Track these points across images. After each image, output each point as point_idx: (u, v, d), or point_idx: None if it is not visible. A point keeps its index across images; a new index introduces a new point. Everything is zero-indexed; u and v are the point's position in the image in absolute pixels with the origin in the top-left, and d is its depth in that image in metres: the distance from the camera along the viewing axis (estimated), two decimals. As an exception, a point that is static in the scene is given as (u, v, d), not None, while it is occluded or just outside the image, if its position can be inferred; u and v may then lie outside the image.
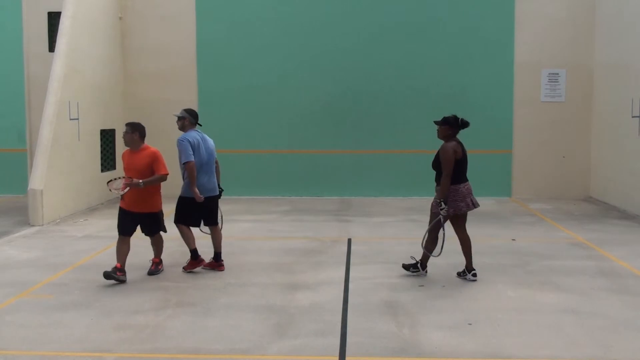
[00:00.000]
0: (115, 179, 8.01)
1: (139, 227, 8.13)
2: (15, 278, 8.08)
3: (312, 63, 15.20)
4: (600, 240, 10.23)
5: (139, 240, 9.39)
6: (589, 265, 8.69)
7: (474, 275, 7.92)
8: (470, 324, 6.33)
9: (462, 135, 14.92)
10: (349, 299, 7.18)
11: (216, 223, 8.57)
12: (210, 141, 8.63)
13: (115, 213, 12.80)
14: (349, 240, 10.23)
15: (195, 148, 8.28)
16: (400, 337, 6.02)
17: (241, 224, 11.78)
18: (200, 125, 8.74)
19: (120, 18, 15.04)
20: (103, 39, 14.27)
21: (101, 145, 14.13)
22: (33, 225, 11.39)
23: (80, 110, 12.98)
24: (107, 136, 14.42)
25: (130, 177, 7.81)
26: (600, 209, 13.36)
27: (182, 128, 8.52)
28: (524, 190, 15.06)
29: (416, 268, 8.14)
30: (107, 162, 14.48)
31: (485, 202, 14.39)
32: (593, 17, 14.69)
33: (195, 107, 15.26)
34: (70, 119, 12.65)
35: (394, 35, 15.08)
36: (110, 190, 8.00)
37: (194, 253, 8.34)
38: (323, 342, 5.86)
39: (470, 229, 11.35)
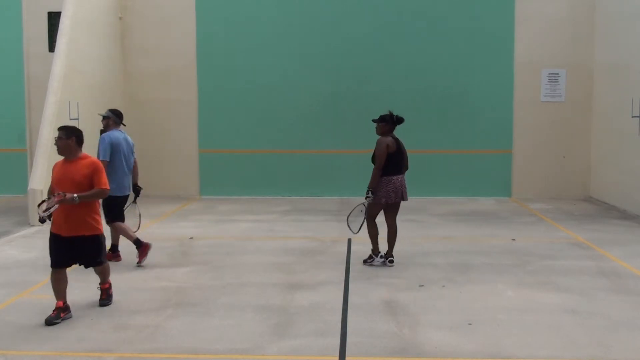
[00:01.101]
0: (47, 198, 6.54)
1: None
2: (15, 278, 8.08)
3: (312, 63, 15.20)
4: (600, 240, 10.23)
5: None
6: (589, 265, 8.69)
7: (391, 261, 8.67)
8: (470, 324, 6.33)
9: (462, 135, 15.18)
10: (349, 299, 7.18)
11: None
12: (131, 141, 9.00)
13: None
14: (349, 240, 10.22)
15: (115, 148, 8.62)
16: (400, 337, 6.02)
17: (241, 224, 11.79)
18: (125, 125, 9.08)
19: (120, 18, 15.03)
20: (103, 39, 14.26)
21: (101, 145, 14.11)
22: (33, 225, 11.38)
23: (80, 110, 12.98)
24: (107, 136, 14.41)
25: (64, 193, 6.37)
26: (600, 209, 13.36)
27: (106, 127, 8.88)
28: (524, 190, 15.06)
29: (370, 258, 8.67)
30: (107, 162, 14.46)
31: (485, 202, 14.46)
32: (593, 17, 14.69)
33: (195, 107, 15.34)
34: (70, 119, 12.63)
35: (394, 36, 15.07)
36: (38, 214, 6.53)
37: (138, 241, 8.67)
38: (323, 342, 5.86)
39: (471, 229, 11.44)
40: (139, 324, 6.37)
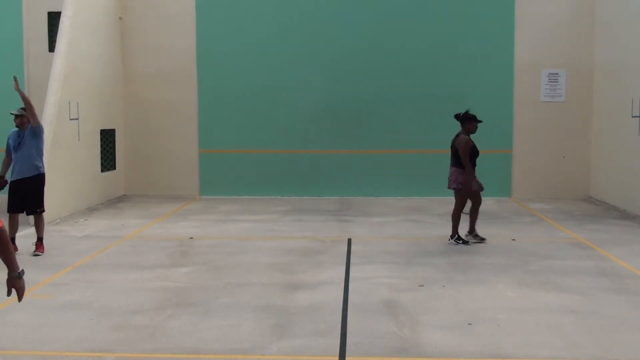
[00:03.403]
0: None
1: None
2: (15, 278, 8.05)
3: (312, 63, 15.19)
4: (600, 240, 10.23)
5: (141, 240, 9.38)
6: (589, 265, 8.69)
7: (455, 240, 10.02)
8: (470, 324, 6.32)
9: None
10: (349, 299, 7.18)
11: None
12: None
13: (117, 213, 12.91)
14: (349, 240, 10.22)
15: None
16: (400, 337, 6.02)
17: (241, 224, 11.78)
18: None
19: (120, 18, 15.03)
20: (103, 39, 14.27)
21: (101, 145, 14.13)
22: (33, 226, 11.36)
23: (80, 110, 12.98)
24: (107, 136, 14.43)
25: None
26: (600, 209, 13.36)
27: (21, 125, 9.33)
28: (524, 190, 15.06)
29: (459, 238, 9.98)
30: (107, 162, 14.48)
31: (485, 202, 14.39)
32: (593, 17, 14.69)
33: (195, 107, 15.34)
34: (70, 119, 12.65)
35: (394, 36, 15.06)
36: None
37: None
38: (323, 342, 5.86)
39: (470, 229, 11.44)
40: (139, 324, 6.36)
